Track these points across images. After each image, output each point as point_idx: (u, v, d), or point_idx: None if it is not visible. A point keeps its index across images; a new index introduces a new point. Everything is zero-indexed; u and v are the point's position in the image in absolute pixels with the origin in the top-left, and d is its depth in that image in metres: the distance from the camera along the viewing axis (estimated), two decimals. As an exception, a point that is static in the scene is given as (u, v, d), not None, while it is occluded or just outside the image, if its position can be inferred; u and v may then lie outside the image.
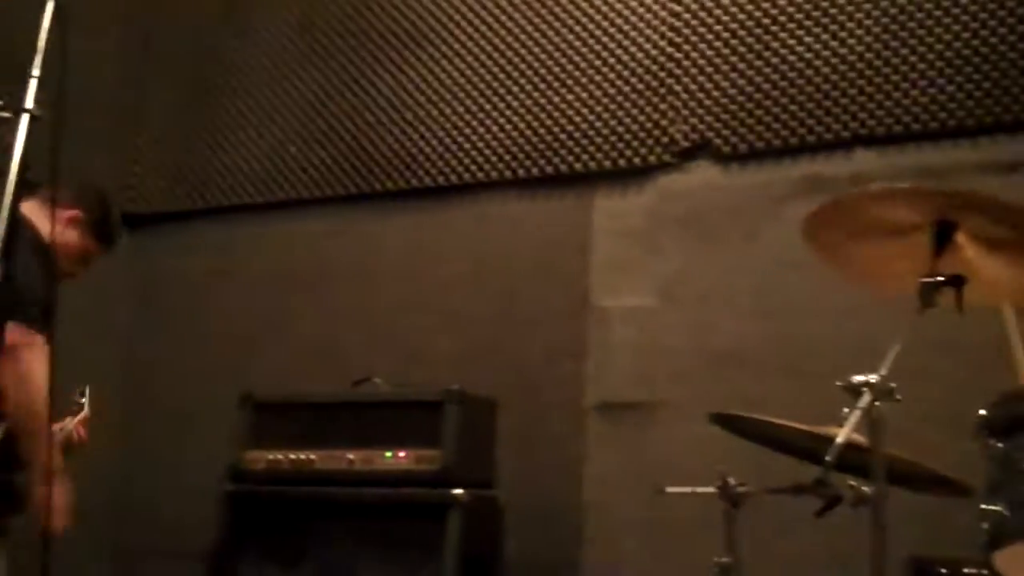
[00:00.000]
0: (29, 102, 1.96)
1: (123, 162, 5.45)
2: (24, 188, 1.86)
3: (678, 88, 4.40)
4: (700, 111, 4.35)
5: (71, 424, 3.37)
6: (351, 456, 4.02)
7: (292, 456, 4.11)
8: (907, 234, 2.40)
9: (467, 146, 4.75)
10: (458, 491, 3.82)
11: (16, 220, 1.84)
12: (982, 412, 2.24)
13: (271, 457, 4.15)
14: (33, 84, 1.98)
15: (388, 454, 3.98)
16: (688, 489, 3.18)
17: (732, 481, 3.01)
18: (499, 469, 4.20)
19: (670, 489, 3.30)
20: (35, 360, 2.87)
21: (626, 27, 4.52)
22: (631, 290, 4.39)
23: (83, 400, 3.56)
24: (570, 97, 4.58)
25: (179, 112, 5.48)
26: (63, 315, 2.93)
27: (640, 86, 4.46)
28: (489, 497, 4.12)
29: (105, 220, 3.32)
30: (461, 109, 4.79)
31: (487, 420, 4.19)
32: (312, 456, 4.08)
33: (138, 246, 5.47)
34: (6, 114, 1.98)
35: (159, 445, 5.14)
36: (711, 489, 3.05)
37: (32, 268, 2.85)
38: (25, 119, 1.94)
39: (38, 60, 1.99)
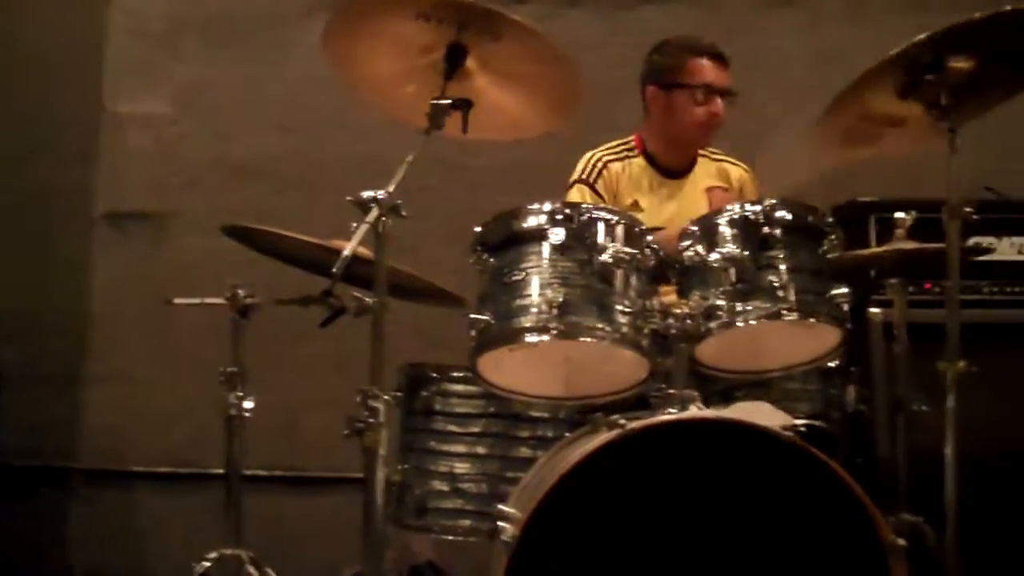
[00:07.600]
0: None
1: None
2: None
3: None
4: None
5: None
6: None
7: None
8: (423, 56, 2.46)
9: None
10: None
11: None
12: (477, 229, 2.40)
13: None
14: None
15: None
16: (196, 300, 3.14)
17: (242, 292, 3.01)
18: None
19: (178, 300, 3.25)
20: None
21: None
22: (148, 96, 4.21)
23: None
24: None
25: None
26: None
27: None
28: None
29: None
30: None
31: None
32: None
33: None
34: None
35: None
36: (220, 300, 3.03)
37: None
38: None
39: None
